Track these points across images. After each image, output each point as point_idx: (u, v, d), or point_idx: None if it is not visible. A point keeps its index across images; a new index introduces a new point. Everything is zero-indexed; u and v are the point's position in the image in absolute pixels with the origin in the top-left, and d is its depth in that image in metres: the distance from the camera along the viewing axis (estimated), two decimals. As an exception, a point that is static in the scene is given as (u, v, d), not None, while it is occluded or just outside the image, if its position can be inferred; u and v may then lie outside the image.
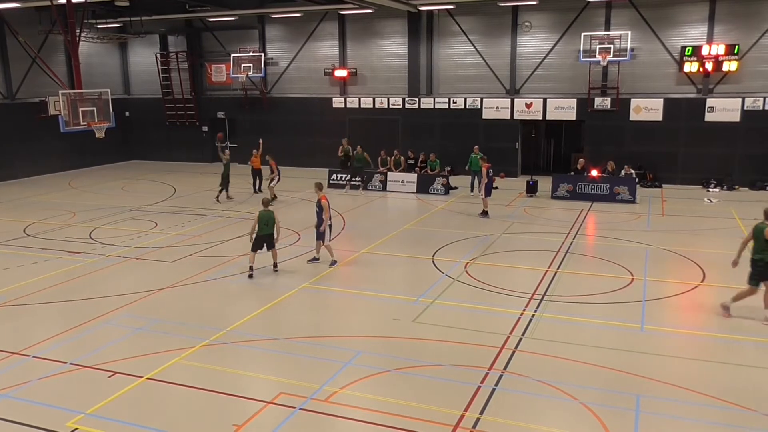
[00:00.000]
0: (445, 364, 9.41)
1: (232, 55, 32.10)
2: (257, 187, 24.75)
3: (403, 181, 25.42)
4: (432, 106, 29.50)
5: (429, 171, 25.90)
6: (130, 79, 35.93)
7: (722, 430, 7.68)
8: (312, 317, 11.67)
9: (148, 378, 8.97)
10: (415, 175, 25.60)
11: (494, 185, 25.07)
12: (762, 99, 24.77)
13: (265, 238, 13.88)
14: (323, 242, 14.73)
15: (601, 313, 11.64)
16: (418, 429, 7.63)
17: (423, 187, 25.01)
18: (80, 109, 19.27)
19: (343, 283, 13.83)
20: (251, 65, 31.61)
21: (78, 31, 19.85)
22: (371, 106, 30.52)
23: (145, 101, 35.13)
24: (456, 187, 25.22)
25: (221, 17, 30.80)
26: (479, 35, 28.63)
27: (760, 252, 11.10)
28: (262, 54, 32.00)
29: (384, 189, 25.43)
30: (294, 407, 8.12)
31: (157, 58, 34.19)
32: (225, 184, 22.78)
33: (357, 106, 30.81)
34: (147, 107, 34.85)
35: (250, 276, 13.77)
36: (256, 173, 24.70)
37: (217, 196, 22.79)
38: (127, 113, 34.35)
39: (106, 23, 30.84)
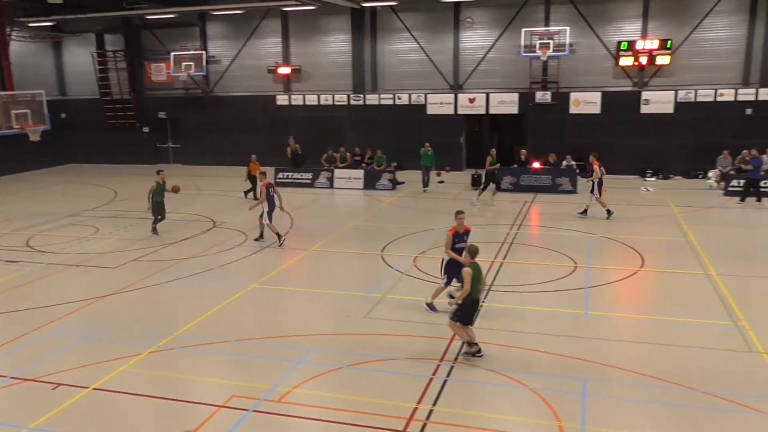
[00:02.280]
0: (397, 358, 9.49)
1: (172, 54, 31.41)
2: (253, 194, 22.78)
3: (350, 178, 25.44)
4: (377, 102, 29.59)
5: (376, 167, 25.98)
6: (66, 79, 34.72)
7: (664, 409, 7.99)
8: (262, 318, 11.57)
9: (94, 388, 8.72)
10: (362, 171, 25.64)
11: (440, 180, 25.43)
12: (694, 91, 25.80)
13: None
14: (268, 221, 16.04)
15: (547, 301, 11.95)
16: (372, 424, 7.68)
17: (370, 183, 25.07)
18: (12, 112, 18.57)
19: (292, 281, 13.76)
20: (192, 63, 31.01)
21: (8, 29, 19.06)
22: (316, 103, 30.39)
23: (82, 102, 33.99)
24: (403, 182, 25.39)
25: (160, 15, 30.07)
26: (422, 31, 28.85)
27: None
28: (204, 52, 31.43)
29: (331, 186, 25.39)
30: (247, 410, 8.05)
31: (93, 57, 33.14)
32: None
33: (302, 103, 30.63)
34: (84, 108, 33.73)
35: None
36: (252, 180, 22.66)
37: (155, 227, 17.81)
38: (63, 115, 33.15)
39: (39, 21, 29.66)
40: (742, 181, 21.63)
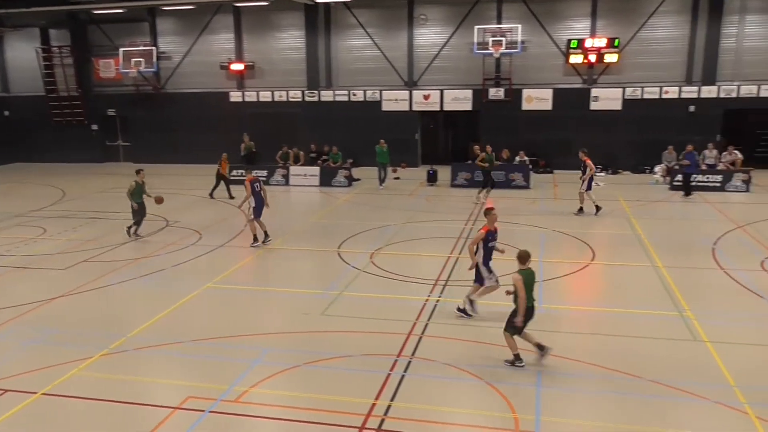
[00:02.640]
0: (354, 355, 9.51)
1: (121, 50, 30.70)
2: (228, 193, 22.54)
3: (305, 175, 25.35)
4: (332, 99, 29.55)
5: (331, 164, 25.93)
6: (9, 75, 33.58)
7: (614, 398, 8.23)
8: (217, 317, 11.43)
9: (43, 393, 8.48)
10: (318, 168, 25.56)
11: (395, 176, 25.53)
12: (640, 89, 26.56)
13: None
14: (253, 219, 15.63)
15: (501, 295, 12.09)
16: (330, 421, 7.69)
17: (326, 179, 25.03)
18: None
19: (248, 280, 13.64)
20: (142, 60, 30.37)
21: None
22: (270, 99, 30.17)
23: (26, 99, 32.91)
24: (358, 179, 25.42)
25: (107, 9, 29.33)
26: (376, 27, 28.91)
27: None
28: (154, 48, 30.81)
29: (287, 183, 25.24)
30: (203, 410, 7.95)
31: (38, 53, 32.13)
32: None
33: (255, 100, 30.36)
34: (29, 106, 32.67)
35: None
36: (220, 177, 22.58)
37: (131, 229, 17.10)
38: (6, 113, 32.08)
39: (-23, 15, 28.62)
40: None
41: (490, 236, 10.62)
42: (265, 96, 30.24)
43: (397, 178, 25.56)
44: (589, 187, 18.75)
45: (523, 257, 8.97)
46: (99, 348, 9.82)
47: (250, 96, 30.45)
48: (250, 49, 30.42)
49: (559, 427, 7.50)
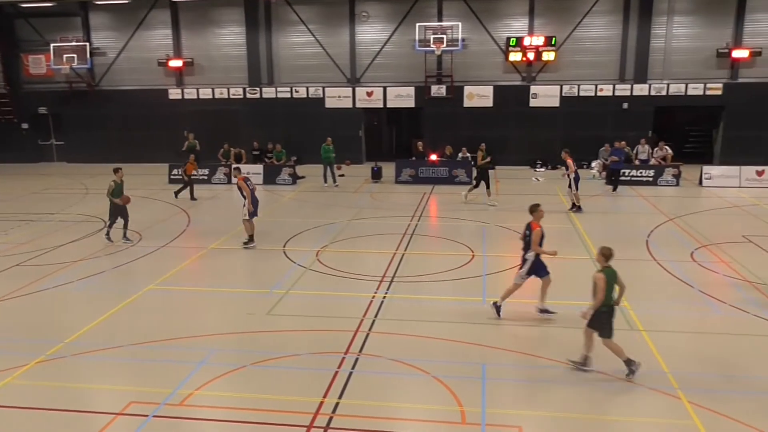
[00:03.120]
0: (302, 353, 9.47)
1: (51, 45, 29.51)
2: (179, 195, 21.82)
3: (248, 173, 24.93)
4: (274, 96, 29.26)
5: (275, 161, 25.68)
6: (-71, 71, 31.78)
7: (557, 388, 8.48)
8: (160, 320, 11.16)
9: (-26, 403, 8.12)
10: (261, 166, 25.27)
11: (340, 173, 25.50)
12: (577, 86, 27.34)
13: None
14: (248, 219, 15.20)
15: (447, 290, 12.32)
16: (278, 421, 7.64)
17: (270, 178, 24.78)
18: None
19: (191, 281, 13.38)
20: (75, 56, 29.31)
21: None
22: (211, 97, 29.63)
23: (-51, 96, 31.28)
24: (303, 177, 25.27)
25: (36, 3, 28.17)
26: (318, 24, 28.76)
27: None
28: (87, 43, 29.78)
29: (229, 182, 24.84)
30: (146, 415, 7.78)
31: (-39, 47, 30.56)
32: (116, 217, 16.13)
33: (195, 97, 29.76)
34: (-48, 103, 31.06)
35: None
36: (187, 178, 21.82)
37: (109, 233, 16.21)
38: (-73, 110, 30.39)
39: None
40: (623, 171, 23.17)
41: (542, 233, 10.46)
42: (206, 93, 29.67)
43: (341, 175, 25.52)
44: (575, 187, 18.65)
45: (607, 255, 8.60)
46: (35, 355, 9.46)
47: (190, 93, 29.82)
48: (189, 45, 29.78)
49: (504, 417, 7.68)
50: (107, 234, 15.95)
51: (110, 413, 7.85)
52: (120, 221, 15.87)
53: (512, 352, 9.47)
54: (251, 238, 15.39)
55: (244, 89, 29.36)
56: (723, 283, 12.50)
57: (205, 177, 25.01)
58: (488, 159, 20.29)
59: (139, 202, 21.06)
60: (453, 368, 8.96)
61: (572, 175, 18.61)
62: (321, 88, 28.98)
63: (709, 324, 10.48)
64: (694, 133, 28.97)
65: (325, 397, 8.16)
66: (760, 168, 23.13)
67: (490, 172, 20.74)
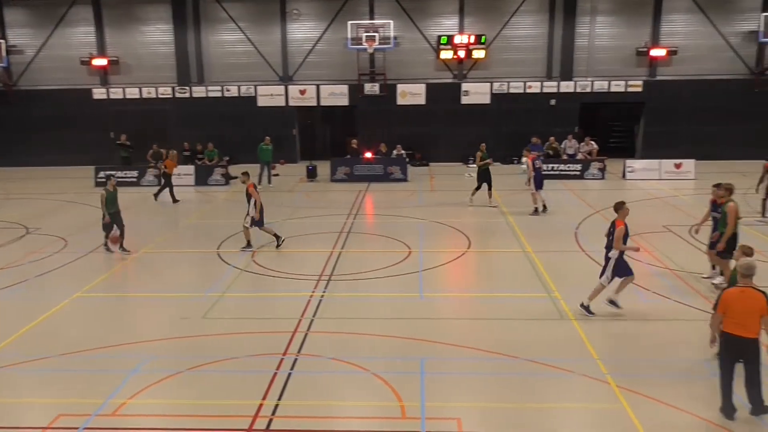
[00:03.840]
0: (239, 356, 9.34)
1: (-38, 42, 27.93)
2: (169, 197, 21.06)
3: (179, 174, 24.31)
4: (204, 95, 28.69)
5: (207, 161, 25.15)
6: None
7: (493, 379, 8.68)
8: (89, 328, 10.76)
9: None
10: (193, 167, 24.70)
11: (275, 173, 25.22)
12: (507, 83, 27.99)
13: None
14: (259, 228, 14.82)
15: (384, 287, 12.39)
16: (216, 426, 7.52)
17: (202, 178, 24.27)
18: None
19: (122, 287, 12.96)
20: (-11, 53, 27.82)
21: None
22: (138, 96, 28.74)
23: None
24: (236, 177, 24.76)
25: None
26: (248, 22, 28.35)
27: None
28: (2, 41, 28.31)
29: (159, 184, 24.13)
30: (76, 428, 7.49)
31: None
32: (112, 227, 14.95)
33: (122, 97, 28.81)
34: None
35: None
36: (167, 178, 21.04)
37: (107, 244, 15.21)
38: None
39: None
40: (552, 166, 23.87)
41: (627, 231, 10.31)
42: (132, 93, 28.74)
43: (276, 175, 25.25)
44: (539, 186, 18.16)
45: (749, 252, 8.51)
46: (-47, 370, 8.95)
47: (116, 93, 28.83)
48: (114, 43, 28.77)
49: (443, 410, 7.80)
50: (106, 245, 14.89)
51: (37, 428, 7.52)
52: (116, 230, 14.72)
53: (449, 346, 9.62)
54: (249, 243, 14.97)
55: (173, 88, 28.63)
56: (647, 271, 13.08)
57: (135, 179, 24.25)
58: (488, 160, 19.34)
59: (62, 207, 20.27)
60: (392, 364, 9.03)
61: (532, 174, 18.14)
62: (253, 87, 28.58)
63: (635, 311, 10.94)
64: (617, 128, 30.18)
65: (264, 399, 8.07)
66: (677, 161, 24.31)
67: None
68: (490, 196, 19.43)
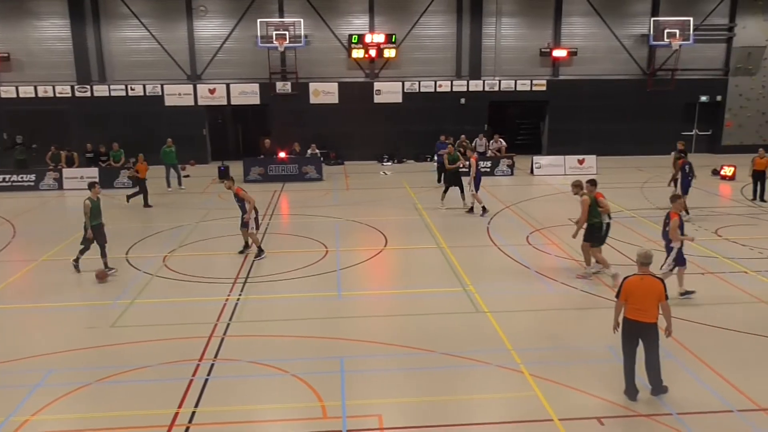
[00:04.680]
0: (152, 365, 9.01)
1: None
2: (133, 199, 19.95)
3: (82, 177, 23.16)
4: (107, 94, 27.43)
5: (113, 163, 24.05)
6: None
7: (412, 374, 8.80)
8: (-14, 343, 10.06)
9: None
10: (97, 169, 23.56)
11: (185, 174, 24.50)
12: (417, 82, 28.42)
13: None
14: (248, 230, 14.11)
15: (302, 287, 12.30)
16: (130, 438, 7.23)
17: (107, 181, 23.14)
18: None
19: (20, 298, 12.17)
20: None
21: None
22: (33, 95, 27.10)
23: None
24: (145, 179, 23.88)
25: None
26: (153, 19, 27.35)
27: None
28: None
29: (60, 188, 22.94)
30: (-26, 449, 7.01)
31: None
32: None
33: (14, 96, 27.07)
34: None
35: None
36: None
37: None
38: None
39: None
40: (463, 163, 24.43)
41: (682, 222, 10.79)
42: (27, 91, 27.08)
43: (186, 176, 24.49)
44: (476, 188, 17.86)
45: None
46: None
47: (8, 92, 27.05)
48: (4, 38, 26.99)
49: (364, 408, 7.84)
50: (76, 260, 13.30)
51: (-71, 453, 6.98)
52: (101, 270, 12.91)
53: (369, 343, 9.68)
54: (260, 249, 14.19)
55: (73, 87, 27.21)
56: (554, 263, 13.66)
57: (32, 183, 22.89)
58: (457, 164, 18.42)
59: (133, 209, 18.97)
60: (312, 365, 8.99)
61: (473, 174, 17.79)
62: (159, 86, 27.60)
63: (545, 302, 11.41)
64: (525, 126, 31.32)
65: (180, 407, 7.83)
66: (580, 157, 25.50)
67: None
68: (463, 198, 18.75)
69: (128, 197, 20.27)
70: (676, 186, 17.90)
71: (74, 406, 7.99)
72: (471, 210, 18.23)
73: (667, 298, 7.61)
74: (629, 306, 7.70)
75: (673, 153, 19.59)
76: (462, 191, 18.75)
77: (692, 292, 11.15)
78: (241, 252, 14.39)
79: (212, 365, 9.03)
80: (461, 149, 25.34)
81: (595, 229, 12.39)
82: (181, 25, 27.40)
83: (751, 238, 14.98)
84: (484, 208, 18.05)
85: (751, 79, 29.57)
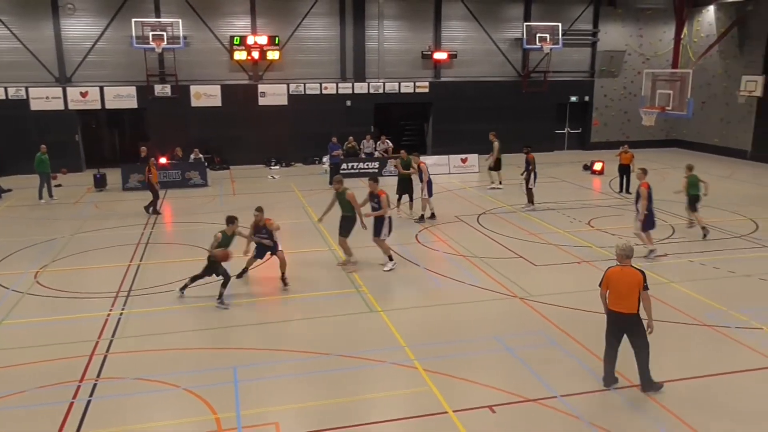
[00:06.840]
0: (27, 389, 8.36)
1: None
2: (153, 209, 18.56)
3: (-64, 190, 21.12)
4: (-38, 98, 25.10)
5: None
6: None
7: (308, 378, 8.75)
8: None
9: None
10: (-47, 180, 21.51)
11: (56, 183, 22.94)
12: (303, 84, 28.25)
13: None
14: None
15: (188, 298, 11.85)
16: (3, 471, 6.68)
17: (-35, 193, 21.21)
18: None
19: None
20: None
21: None
22: None
23: None
24: (10, 189, 22.12)
25: None
26: (13, 16, 25.33)
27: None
28: None
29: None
30: None
31: None
32: None
33: None
34: None
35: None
36: (151, 188, 18.62)
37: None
38: None
39: None
40: (351, 165, 24.60)
41: None
42: None
43: (58, 185, 22.89)
44: (429, 194, 17.44)
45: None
46: None
47: None
48: None
49: (260, 417, 7.70)
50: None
51: None
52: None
53: (262, 351, 9.53)
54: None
55: None
56: (443, 259, 14.08)
57: None
58: (410, 170, 17.93)
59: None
60: (203, 377, 8.72)
61: (426, 178, 17.28)
62: (24, 89, 25.62)
63: (435, 297, 11.73)
64: (409, 127, 31.97)
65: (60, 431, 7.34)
66: (463, 156, 26.42)
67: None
68: (411, 207, 18.39)
69: (146, 208, 18.96)
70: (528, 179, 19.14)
71: (-64, 442, 7.28)
72: (422, 218, 17.59)
73: (647, 288, 7.83)
74: (611, 297, 8.02)
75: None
76: (411, 199, 18.41)
77: (656, 252, 13.73)
78: (238, 276, 12.98)
79: (95, 385, 8.52)
80: (348, 150, 25.57)
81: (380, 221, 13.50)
82: (46, 24, 25.57)
83: (619, 228, 16.17)
84: (433, 214, 17.70)
85: (614, 80, 31.94)
